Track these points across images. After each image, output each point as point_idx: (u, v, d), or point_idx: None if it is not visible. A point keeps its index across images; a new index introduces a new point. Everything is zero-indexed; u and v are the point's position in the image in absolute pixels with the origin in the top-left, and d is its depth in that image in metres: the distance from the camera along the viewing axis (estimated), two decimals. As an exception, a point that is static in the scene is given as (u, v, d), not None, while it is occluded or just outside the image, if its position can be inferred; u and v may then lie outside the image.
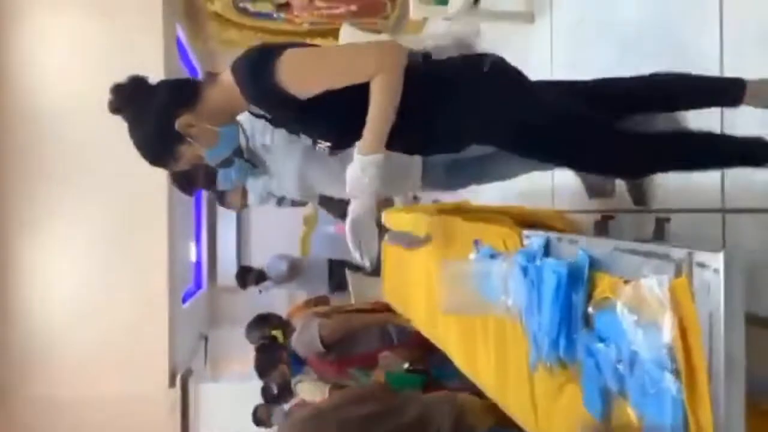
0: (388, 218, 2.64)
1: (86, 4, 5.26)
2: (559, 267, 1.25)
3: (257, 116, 1.65)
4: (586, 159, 1.66)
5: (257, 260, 6.01)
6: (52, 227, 5.32)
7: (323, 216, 5.81)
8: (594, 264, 1.21)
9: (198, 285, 7.02)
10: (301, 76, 1.43)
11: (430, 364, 2.77)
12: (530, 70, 1.64)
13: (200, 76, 5.99)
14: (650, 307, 1.02)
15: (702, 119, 1.80)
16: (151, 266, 5.52)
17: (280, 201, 4.52)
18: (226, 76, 1.52)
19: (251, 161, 2.42)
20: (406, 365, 2.82)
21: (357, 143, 1.46)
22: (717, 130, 1.84)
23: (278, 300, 5.68)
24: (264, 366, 3.49)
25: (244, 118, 1.69)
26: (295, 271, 4.76)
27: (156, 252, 5.55)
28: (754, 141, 1.60)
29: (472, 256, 1.74)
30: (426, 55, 1.73)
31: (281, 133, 2.23)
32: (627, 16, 2.50)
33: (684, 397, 0.94)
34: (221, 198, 2.81)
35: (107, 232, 5.41)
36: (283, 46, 1.47)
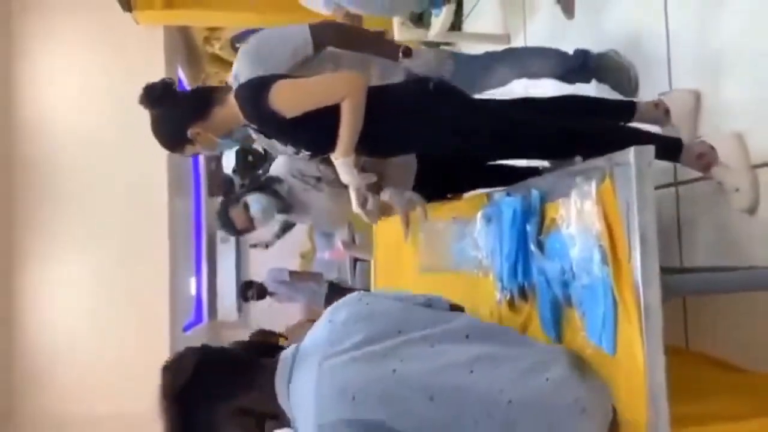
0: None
1: (93, 46, 5.53)
2: (513, 202, 1.43)
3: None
4: (529, 144, 1.94)
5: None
6: (57, 259, 5.45)
7: (319, 246, 5.98)
8: (543, 197, 1.38)
9: (198, 318, 7.12)
10: (288, 99, 1.85)
11: None
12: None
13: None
14: (584, 214, 1.19)
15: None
16: (154, 297, 5.63)
17: (284, 230, 4.70)
18: (231, 99, 1.93)
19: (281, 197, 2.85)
20: None
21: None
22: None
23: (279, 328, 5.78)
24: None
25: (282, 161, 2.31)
26: (296, 276, 4.88)
27: (158, 283, 5.67)
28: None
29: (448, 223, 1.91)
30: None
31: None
32: (598, 36, 2.70)
33: (611, 278, 1.10)
34: (229, 224, 3.02)
35: (110, 263, 5.54)
36: (275, 77, 1.91)
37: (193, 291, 6.97)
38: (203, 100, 1.97)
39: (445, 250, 1.85)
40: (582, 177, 1.20)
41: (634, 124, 2.06)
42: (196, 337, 6.71)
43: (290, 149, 2.09)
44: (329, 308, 1.30)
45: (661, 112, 2.04)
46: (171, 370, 1.23)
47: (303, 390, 1.15)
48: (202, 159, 7.06)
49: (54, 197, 5.43)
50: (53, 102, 5.40)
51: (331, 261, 5.53)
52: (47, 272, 5.46)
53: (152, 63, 5.55)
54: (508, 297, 1.50)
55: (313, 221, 2.78)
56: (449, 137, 1.88)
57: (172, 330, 5.74)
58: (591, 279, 1.16)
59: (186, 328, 6.39)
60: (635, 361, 1.07)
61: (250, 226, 3.01)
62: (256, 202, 2.90)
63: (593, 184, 1.15)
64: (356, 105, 1.82)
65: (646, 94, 2.27)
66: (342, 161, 1.87)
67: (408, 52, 2.22)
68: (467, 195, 2.38)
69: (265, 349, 1.34)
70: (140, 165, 5.67)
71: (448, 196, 2.44)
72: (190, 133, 1.93)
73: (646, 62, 2.32)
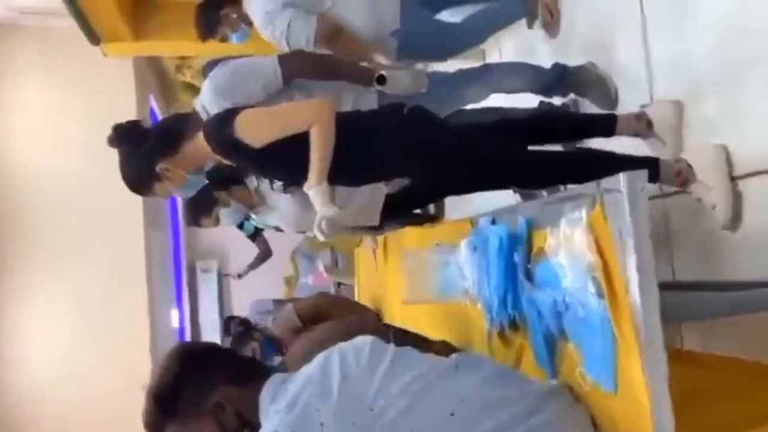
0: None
1: (61, 81, 5.45)
2: (499, 231, 1.36)
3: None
4: (500, 178, 1.97)
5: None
6: (35, 297, 5.32)
7: (302, 270, 5.89)
8: (531, 224, 1.32)
9: (182, 352, 6.98)
10: (255, 128, 1.79)
11: None
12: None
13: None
14: (574, 243, 1.13)
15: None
16: (133, 333, 5.51)
17: (253, 237, 4.59)
18: (200, 134, 1.87)
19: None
20: None
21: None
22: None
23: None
24: (236, 344, 3.45)
25: None
26: (280, 305, 4.76)
27: (137, 319, 5.56)
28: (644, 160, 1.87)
29: (431, 251, 1.85)
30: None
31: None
32: (575, 49, 2.66)
33: (609, 312, 1.03)
34: (196, 219, 2.93)
35: (88, 300, 5.42)
36: (240, 108, 1.85)
37: (175, 323, 6.83)
38: (172, 135, 1.91)
39: (430, 279, 1.79)
40: (571, 204, 1.13)
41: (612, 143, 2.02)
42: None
43: (264, 182, 2.02)
44: (329, 351, 1.19)
45: (643, 124, 1.99)
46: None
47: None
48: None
49: (27, 236, 5.32)
50: (23, 139, 5.31)
51: (315, 286, 5.44)
52: (23, 312, 5.32)
53: (123, 94, 5.49)
54: (499, 329, 1.43)
55: (280, 222, 2.70)
56: (423, 164, 1.83)
57: (154, 365, 5.60)
58: (586, 311, 1.09)
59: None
60: (638, 399, 1.00)
61: (215, 226, 3.02)
62: (226, 217, 2.88)
63: (583, 212, 1.09)
64: (325, 131, 1.76)
65: (626, 107, 2.23)
66: (315, 191, 1.78)
67: (382, 80, 2.15)
68: (449, 219, 2.32)
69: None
70: (114, 199, 5.56)
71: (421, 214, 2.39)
72: (158, 168, 1.87)
73: (625, 74, 2.28)
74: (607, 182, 1.04)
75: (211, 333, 6.98)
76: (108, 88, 5.42)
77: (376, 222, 2.43)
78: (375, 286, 2.87)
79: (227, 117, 1.82)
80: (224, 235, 5.66)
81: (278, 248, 5.35)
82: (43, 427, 5.18)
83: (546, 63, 2.54)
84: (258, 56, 2.25)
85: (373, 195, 2.29)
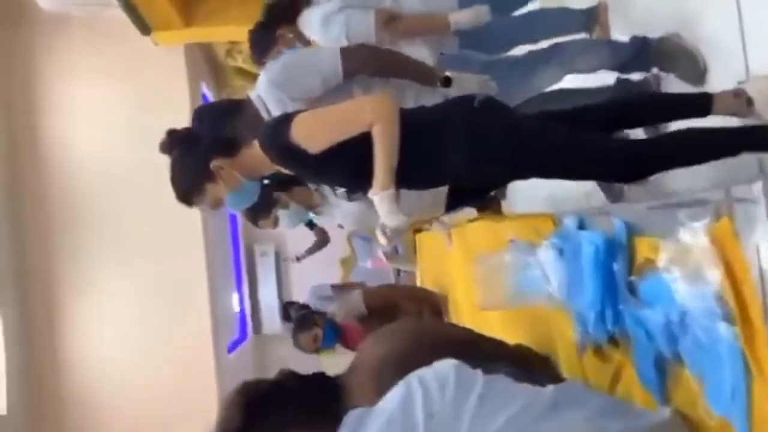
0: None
1: (114, 73, 5.45)
2: (595, 238, 1.22)
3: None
4: (582, 169, 1.75)
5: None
6: (97, 288, 5.42)
7: (360, 253, 5.81)
8: (631, 230, 1.17)
9: (243, 335, 7.03)
10: (312, 132, 1.65)
11: None
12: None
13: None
14: (693, 258, 0.97)
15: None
16: (195, 319, 5.56)
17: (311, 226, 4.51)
18: (256, 142, 1.74)
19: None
20: None
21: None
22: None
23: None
24: (298, 329, 3.39)
25: None
26: (338, 290, 4.73)
27: (198, 303, 5.60)
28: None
29: (507, 251, 1.71)
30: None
31: None
32: (654, 19, 2.47)
33: (741, 342, 0.88)
34: (254, 220, 2.87)
35: (149, 288, 5.48)
36: (296, 112, 1.72)
37: (236, 307, 6.88)
38: (232, 143, 1.80)
39: (506, 282, 1.64)
40: (687, 212, 0.98)
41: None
42: (242, 359, 6.63)
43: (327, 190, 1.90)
44: (408, 382, 1.06)
45: (742, 102, 1.77)
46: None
47: None
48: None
49: (86, 228, 5.41)
50: (79, 132, 5.35)
51: (374, 270, 5.35)
52: (87, 302, 5.42)
53: (175, 82, 5.46)
54: (594, 344, 1.29)
55: (342, 220, 2.60)
56: (498, 159, 1.66)
57: (216, 351, 5.65)
58: (710, 339, 0.94)
59: (231, 348, 6.31)
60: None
61: (274, 228, 2.93)
62: (285, 218, 2.77)
63: (705, 223, 0.93)
64: (389, 129, 1.60)
65: (715, 84, 2.02)
66: (381, 196, 1.62)
67: (447, 82, 2.00)
68: (524, 212, 2.14)
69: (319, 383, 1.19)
70: (169, 187, 5.61)
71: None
72: (213, 166, 1.74)
73: (715, 45, 2.06)
74: (737, 190, 0.88)
75: (271, 317, 7.02)
76: (160, 77, 5.40)
77: (441, 212, 2.30)
78: (441, 276, 2.75)
79: (282, 122, 1.70)
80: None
81: (335, 230, 5.29)
82: (113, 424, 5.30)
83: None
84: (318, 48, 2.12)
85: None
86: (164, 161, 2.00)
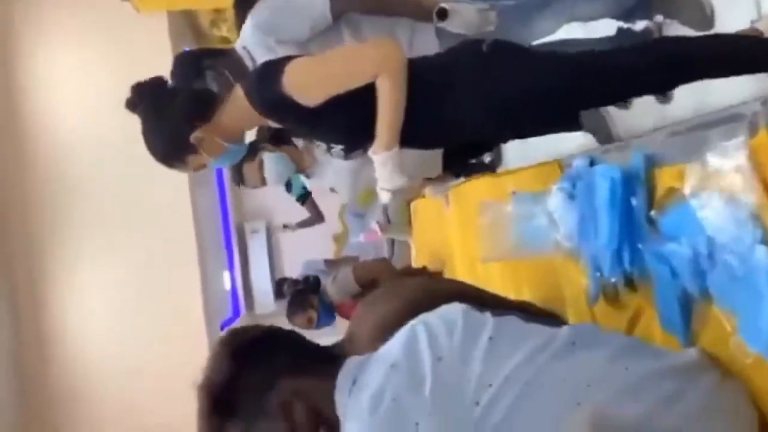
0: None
1: (96, 43, 5.30)
2: (610, 171, 1.12)
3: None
4: (611, 88, 1.56)
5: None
6: (85, 265, 5.30)
7: (353, 229, 5.71)
8: (651, 160, 1.07)
9: (236, 313, 6.94)
10: (307, 84, 1.49)
11: None
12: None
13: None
14: (725, 180, 0.88)
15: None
16: (186, 297, 5.48)
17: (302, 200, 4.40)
18: (239, 91, 1.56)
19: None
20: None
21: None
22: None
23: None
24: (292, 309, 3.33)
25: None
26: (332, 264, 4.64)
27: (189, 283, 5.51)
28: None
29: (509, 203, 1.61)
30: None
31: None
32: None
33: (783, 266, 0.80)
34: (239, 177, 2.76)
35: (139, 267, 5.38)
36: (288, 58, 1.54)
37: (227, 285, 6.78)
38: (207, 97, 1.63)
39: (510, 233, 1.55)
40: (719, 130, 0.88)
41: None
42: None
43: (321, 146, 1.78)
44: (413, 326, 0.97)
45: None
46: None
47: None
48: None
49: (71, 202, 5.28)
50: (61, 104, 5.21)
51: (367, 243, 5.25)
52: (74, 280, 5.32)
53: (158, 51, 5.29)
54: (610, 289, 1.20)
55: (335, 183, 2.50)
56: (519, 106, 1.51)
57: (209, 328, 5.57)
58: (745, 268, 0.86)
59: (224, 326, 6.23)
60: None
61: (260, 185, 2.81)
62: (271, 161, 2.65)
63: (740, 139, 0.84)
64: (395, 82, 1.46)
65: (724, 28, 1.92)
66: (383, 157, 1.50)
67: (443, 13, 1.86)
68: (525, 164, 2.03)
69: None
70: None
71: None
72: (193, 138, 1.57)
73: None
74: (779, 97, 0.79)
75: (264, 294, 6.93)
76: (143, 46, 5.25)
77: (438, 173, 2.20)
78: (436, 243, 2.65)
79: (273, 70, 1.52)
80: (271, 195, 5.53)
81: (326, 207, 5.20)
82: (103, 402, 5.22)
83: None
84: None
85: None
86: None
